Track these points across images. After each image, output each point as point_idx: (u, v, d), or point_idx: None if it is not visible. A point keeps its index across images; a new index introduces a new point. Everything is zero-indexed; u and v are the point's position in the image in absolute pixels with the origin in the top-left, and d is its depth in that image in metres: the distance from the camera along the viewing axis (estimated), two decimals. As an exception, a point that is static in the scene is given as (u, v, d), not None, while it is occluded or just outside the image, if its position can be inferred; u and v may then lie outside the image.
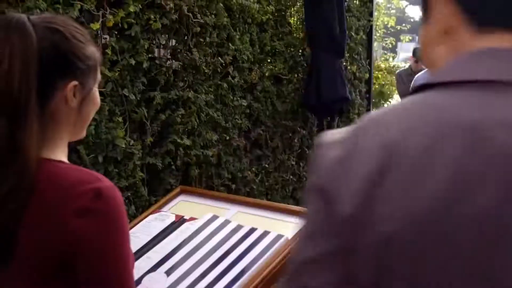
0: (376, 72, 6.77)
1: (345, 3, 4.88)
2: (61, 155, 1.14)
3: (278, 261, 1.30)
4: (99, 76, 1.20)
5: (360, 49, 5.65)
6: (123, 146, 2.73)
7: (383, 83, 6.75)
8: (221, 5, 3.44)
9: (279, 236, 1.38)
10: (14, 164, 1.02)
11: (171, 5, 2.98)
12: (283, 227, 1.44)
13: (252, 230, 1.42)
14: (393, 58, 8.33)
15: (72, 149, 2.56)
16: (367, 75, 5.85)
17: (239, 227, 1.44)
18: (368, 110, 5.97)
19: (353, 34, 5.42)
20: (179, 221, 1.54)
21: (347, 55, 5.35)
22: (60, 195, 1.03)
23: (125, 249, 1.06)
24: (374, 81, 6.53)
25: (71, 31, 1.12)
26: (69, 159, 2.54)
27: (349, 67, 5.46)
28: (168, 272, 1.32)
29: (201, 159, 3.38)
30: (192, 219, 1.53)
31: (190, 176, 3.35)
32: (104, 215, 1.02)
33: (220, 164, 3.61)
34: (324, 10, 4.30)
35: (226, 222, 1.47)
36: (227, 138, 3.63)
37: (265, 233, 1.40)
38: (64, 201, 1.02)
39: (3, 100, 1.02)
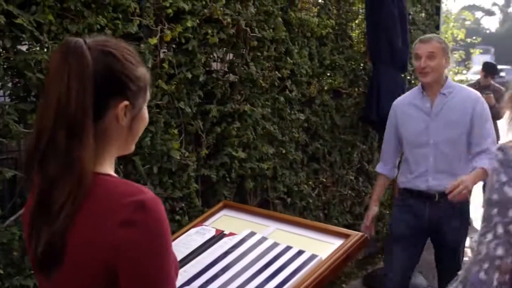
0: (443, 86, 6.56)
1: (409, 16, 4.79)
2: (109, 168, 1.18)
3: (310, 282, 1.29)
4: (148, 96, 1.25)
5: (425, 62, 5.52)
6: (178, 157, 2.78)
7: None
8: (280, 19, 3.46)
9: (313, 256, 1.37)
10: (70, 176, 1.08)
11: (229, 19, 3.03)
12: (319, 246, 1.43)
13: (287, 248, 1.42)
14: (466, 71, 8.05)
15: (128, 160, 2.64)
16: (432, 89, 5.69)
17: (275, 245, 1.44)
18: (433, 125, 5.81)
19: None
20: (219, 235, 1.55)
21: (411, 68, 5.24)
22: (106, 206, 1.08)
23: (166, 259, 1.09)
24: (441, 95, 6.34)
25: (123, 53, 1.17)
26: (125, 169, 2.61)
27: (413, 81, 5.34)
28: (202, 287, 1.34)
29: (256, 172, 3.40)
30: (231, 234, 1.54)
31: (245, 189, 3.37)
32: (145, 226, 1.06)
33: (275, 177, 3.62)
34: (386, 23, 4.24)
35: (263, 239, 1.47)
36: (284, 151, 3.63)
37: (300, 252, 1.39)
38: (109, 213, 1.07)
39: (62, 117, 1.08)
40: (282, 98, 3.57)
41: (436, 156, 3.01)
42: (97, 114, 1.13)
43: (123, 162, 2.59)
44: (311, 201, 3.97)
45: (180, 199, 2.89)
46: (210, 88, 3.05)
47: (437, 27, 5.79)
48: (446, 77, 3.08)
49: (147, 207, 1.07)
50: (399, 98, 3.30)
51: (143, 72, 1.21)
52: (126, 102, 1.16)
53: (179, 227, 2.69)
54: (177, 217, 2.86)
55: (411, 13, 5.09)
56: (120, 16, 2.47)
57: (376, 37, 4.30)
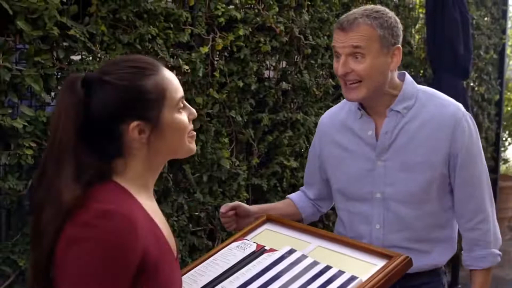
0: (509, 93, 6.32)
1: (472, 20, 4.61)
2: (126, 183, 1.19)
3: (347, 305, 1.24)
4: (172, 100, 1.22)
5: (490, 69, 5.32)
6: (228, 166, 2.77)
7: (517, 105, 6.30)
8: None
9: (352, 278, 1.32)
10: (51, 203, 1.10)
11: (282, 27, 3.00)
12: (361, 267, 1.38)
13: (327, 268, 1.37)
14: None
15: (178, 168, 2.65)
16: (497, 97, 5.49)
17: (314, 264, 1.40)
18: (497, 133, 5.60)
19: (481, 53, 5.12)
20: (259, 251, 1.53)
21: (474, 75, 5.06)
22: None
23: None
24: (506, 103, 6.11)
25: (123, 76, 1.17)
26: (175, 178, 2.62)
27: (476, 88, 5.15)
28: (238, 305, 1.31)
29: (308, 181, 3.34)
30: (271, 250, 1.51)
31: (297, 198, 3.32)
32: (97, 229, 1.07)
33: (329, 186, 3.55)
34: (447, 28, 4.10)
35: (303, 257, 1.43)
36: (337, 160, 3.56)
37: (339, 273, 1.34)
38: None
39: (52, 148, 1.13)
40: (336, 106, 3.51)
41: (386, 221, 1.78)
42: (112, 141, 1.17)
43: (173, 171, 2.60)
44: (366, 211, 3.88)
45: (230, 208, 2.88)
46: (262, 96, 3.03)
47: (504, 32, 5.56)
48: (404, 75, 1.82)
49: (109, 216, 1.07)
50: (327, 113, 2.04)
51: (153, 83, 1.19)
52: (135, 123, 1.17)
53: (228, 236, 2.69)
54: (227, 226, 2.85)
55: (475, 17, 4.90)
56: (172, 25, 2.49)
57: (438, 43, 4.17)
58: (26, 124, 2.00)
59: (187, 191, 2.67)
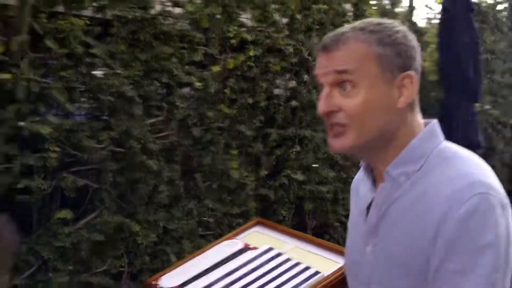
0: (525, 117, 6.38)
1: (484, 45, 4.74)
2: None
3: (310, 293, 1.45)
4: None
5: (505, 92, 5.42)
6: (237, 177, 2.99)
7: (535, 128, 6.34)
8: (344, 48, 3.59)
9: (316, 273, 1.52)
10: None
11: (291, 49, 3.21)
12: (326, 264, 1.57)
13: (297, 264, 1.58)
14: None
15: (190, 177, 2.88)
16: (512, 120, 5.57)
17: (287, 260, 1.61)
18: (513, 156, 5.68)
19: (496, 77, 5.23)
20: (244, 249, 1.73)
21: (490, 98, 5.17)
22: None
23: None
24: (524, 126, 6.17)
25: None
26: (186, 185, 2.83)
27: (491, 111, 5.26)
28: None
29: (315, 194, 3.53)
30: (254, 248, 1.72)
31: (304, 210, 3.51)
32: None
33: (336, 200, 3.72)
34: (458, 52, 4.23)
35: (278, 254, 1.64)
36: (345, 176, 3.74)
37: (306, 268, 1.55)
38: None
39: None
40: (344, 124, 3.68)
41: None
42: None
43: (184, 178, 2.83)
44: (373, 226, 4.03)
45: (238, 215, 3.08)
46: (272, 113, 3.24)
47: (520, 57, 5.67)
48: (422, 127, 1.09)
49: None
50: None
51: None
52: None
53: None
54: (234, 232, 3.05)
55: (487, 42, 5.03)
56: (186, 45, 2.73)
57: (448, 67, 4.30)
58: (51, 130, 2.26)
59: (197, 197, 2.89)
